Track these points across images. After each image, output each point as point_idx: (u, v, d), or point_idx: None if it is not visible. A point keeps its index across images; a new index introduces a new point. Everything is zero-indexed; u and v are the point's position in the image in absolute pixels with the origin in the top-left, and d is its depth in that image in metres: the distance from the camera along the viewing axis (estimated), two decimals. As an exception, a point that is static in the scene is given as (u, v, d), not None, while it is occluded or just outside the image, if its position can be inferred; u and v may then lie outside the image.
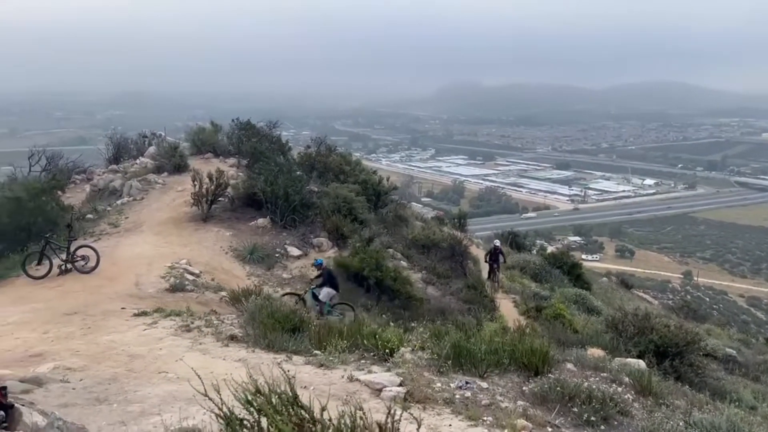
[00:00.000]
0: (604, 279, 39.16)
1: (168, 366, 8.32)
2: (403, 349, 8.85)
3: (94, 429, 5.87)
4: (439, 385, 7.63)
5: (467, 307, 18.61)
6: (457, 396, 7.32)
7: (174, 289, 13.91)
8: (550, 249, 42.24)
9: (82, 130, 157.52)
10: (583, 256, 76.23)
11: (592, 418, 6.87)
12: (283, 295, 14.73)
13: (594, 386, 7.56)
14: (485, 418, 6.60)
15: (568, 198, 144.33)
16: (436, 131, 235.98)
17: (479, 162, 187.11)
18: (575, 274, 28.61)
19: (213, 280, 15.48)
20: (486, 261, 23.09)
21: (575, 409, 7.06)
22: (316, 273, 16.04)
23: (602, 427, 6.87)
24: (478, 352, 8.55)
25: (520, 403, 7.34)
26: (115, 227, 19.52)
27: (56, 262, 14.59)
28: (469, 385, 7.75)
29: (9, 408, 3.85)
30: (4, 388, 4.00)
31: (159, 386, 7.39)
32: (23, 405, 4.06)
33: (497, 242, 24.07)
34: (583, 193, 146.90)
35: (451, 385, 7.72)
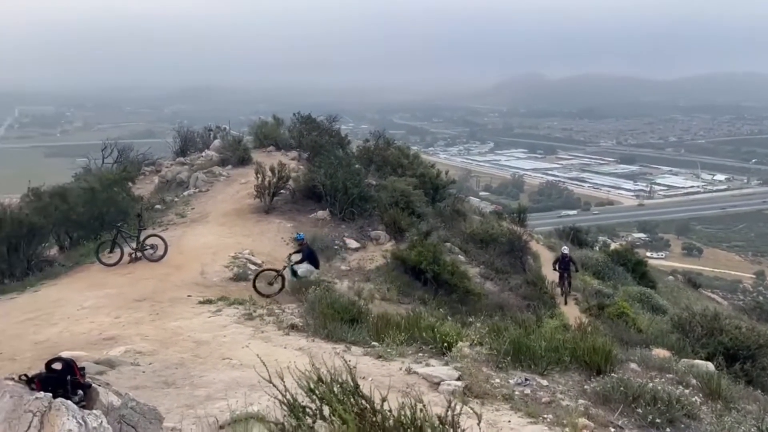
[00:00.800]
0: (670, 277, 37.75)
1: (232, 353, 8.59)
2: (461, 343, 8.83)
3: (163, 411, 6.13)
4: (497, 380, 7.58)
5: (526, 303, 18.34)
6: (517, 392, 7.25)
7: (237, 278, 14.33)
8: (613, 246, 40.99)
9: (151, 124, 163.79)
10: (648, 254, 73.44)
11: (657, 420, 6.67)
12: (260, 272, 14.50)
13: (659, 387, 7.32)
14: (545, 416, 6.50)
15: (632, 193, 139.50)
16: (496, 124, 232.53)
17: (540, 156, 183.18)
18: (640, 272, 27.68)
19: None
20: (555, 269, 20.63)
21: (639, 410, 6.86)
22: (295, 248, 15.51)
23: (668, 429, 6.66)
24: (539, 349, 8.44)
25: (581, 401, 7.20)
26: (181, 218, 20.24)
27: (127, 250, 15.27)
28: (528, 382, 7.66)
29: (87, 387, 4.05)
30: (83, 368, 4.22)
31: (224, 372, 7.64)
32: (99, 385, 4.28)
33: (566, 249, 21.49)
34: (648, 189, 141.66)
35: (510, 381, 7.65)
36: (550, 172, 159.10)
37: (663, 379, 8.27)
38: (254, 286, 13.76)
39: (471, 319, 12.33)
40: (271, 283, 14.08)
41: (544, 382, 7.78)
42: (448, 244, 20.87)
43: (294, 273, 14.60)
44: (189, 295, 12.43)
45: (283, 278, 14.30)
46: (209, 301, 11.94)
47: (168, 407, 6.22)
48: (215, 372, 7.64)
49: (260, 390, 6.45)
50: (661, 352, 10.54)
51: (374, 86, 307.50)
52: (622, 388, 7.21)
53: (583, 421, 6.28)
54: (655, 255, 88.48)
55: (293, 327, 10.28)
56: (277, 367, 4.64)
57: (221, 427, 5.06)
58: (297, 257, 14.98)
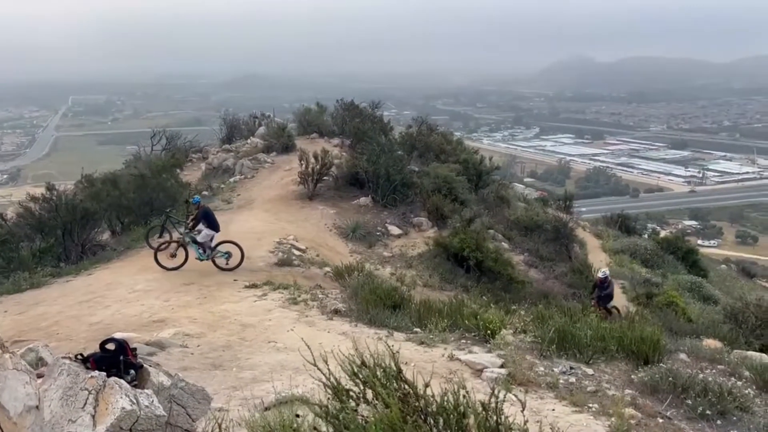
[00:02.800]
0: (723, 266, 36.47)
1: (277, 336, 8.75)
2: (504, 331, 8.76)
3: (210, 392, 6.29)
4: (541, 369, 7.49)
5: (572, 291, 18.06)
6: (561, 381, 7.15)
7: (282, 263, 14.54)
8: (663, 233, 39.85)
9: (198, 112, 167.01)
10: (700, 242, 71.22)
11: (708, 412, 6.48)
12: (160, 246, 13.77)
13: (710, 378, 7.10)
14: (591, 405, 6.40)
15: (684, 180, 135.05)
16: (541, 109, 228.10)
17: (587, 141, 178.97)
18: (690, 261, 26.88)
19: (318, 256, 16.01)
20: (592, 297, 15.81)
21: (689, 402, 6.68)
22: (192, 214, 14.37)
23: (718, 422, 6.46)
24: (584, 338, 8.30)
25: (627, 391, 7.06)
26: (228, 204, 20.63)
27: (175, 235, 15.64)
28: (573, 371, 7.56)
29: (138, 368, 4.19)
30: (135, 349, 4.37)
31: (269, 355, 7.79)
32: (150, 366, 4.41)
33: (604, 272, 15.99)
34: (701, 175, 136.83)
35: (555, 369, 7.56)
36: (597, 158, 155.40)
37: (714, 371, 8.01)
38: (157, 261, 13.33)
39: (514, 307, 12.20)
40: (174, 255, 13.58)
41: (590, 371, 7.66)
42: (492, 231, 20.68)
43: (195, 241, 13.78)
44: (235, 280, 12.69)
45: (185, 249, 13.64)
46: (255, 286, 12.15)
47: (215, 388, 6.38)
48: (261, 355, 7.80)
49: (304, 373, 6.56)
50: (712, 343, 10.22)
51: (419, 71, 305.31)
52: (670, 379, 7.03)
53: (629, 411, 6.16)
54: (706, 243, 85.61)
55: (336, 312, 10.40)
56: (321, 351, 4.70)
57: (267, 409, 5.16)
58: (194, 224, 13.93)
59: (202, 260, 13.62)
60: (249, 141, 28.45)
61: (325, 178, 21.45)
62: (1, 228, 16.17)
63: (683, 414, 6.58)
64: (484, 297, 13.61)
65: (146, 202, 18.03)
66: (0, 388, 2.50)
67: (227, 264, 13.60)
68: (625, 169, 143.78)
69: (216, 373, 7.06)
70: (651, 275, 22.07)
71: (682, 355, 8.73)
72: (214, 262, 14.37)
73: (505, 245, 20.32)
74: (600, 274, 15.72)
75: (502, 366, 7.38)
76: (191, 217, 14.12)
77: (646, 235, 33.79)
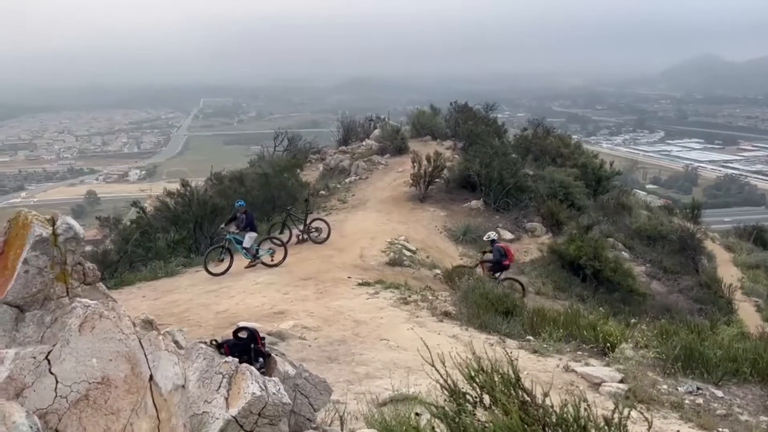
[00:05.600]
0: None
1: (389, 334, 8.92)
2: (624, 345, 8.35)
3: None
4: (665, 387, 7.08)
5: (698, 307, 16.85)
6: (687, 401, 6.72)
7: (393, 263, 14.78)
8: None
9: (315, 114, 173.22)
10: None
11: None
12: (210, 251, 14.22)
13: None
14: (721, 430, 5.97)
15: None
16: (667, 112, 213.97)
17: (718, 146, 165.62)
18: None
19: (428, 257, 16.11)
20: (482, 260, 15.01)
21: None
22: (232, 216, 14.66)
23: None
24: (713, 357, 7.74)
25: (763, 418, 6.51)
26: (343, 203, 21.28)
27: (295, 232, 16.40)
28: (700, 392, 7.08)
29: (267, 356, 4.45)
30: (264, 338, 4.64)
31: (381, 352, 7.96)
32: (277, 355, 4.66)
33: (489, 234, 15.33)
34: None
35: (680, 388, 7.12)
36: (729, 165, 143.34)
37: None
38: (206, 269, 13.62)
39: (634, 320, 11.59)
40: (222, 260, 13.92)
41: (719, 393, 7.13)
42: (611, 240, 19.76)
43: (238, 242, 14.06)
44: (349, 277, 13.08)
45: (229, 251, 13.96)
46: (367, 284, 12.46)
47: (331, 381, 6.61)
48: (374, 351, 7.98)
49: (417, 372, 6.65)
50: None
51: (536, 71, 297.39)
52: (816, 410, 6.39)
53: (767, 441, 5.68)
54: None
55: (447, 314, 10.41)
56: (431, 352, 4.75)
57: (382, 405, 5.28)
58: (232, 226, 14.33)
59: (248, 259, 14.18)
60: (364, 143, 29.16)
61: (436, 180, 21.51)
62: (142, 220, 17.75)
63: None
64: (601, 308, 13.06)
65: (269, 200, 19.03)
66: (155, 367, 2.76)
67: (272, 260, 14.17)
68: (761, 177, 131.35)
69: (332, 366, 7.32)
70: (792, 294, 20.05)
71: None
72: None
73: (626, 255, 19.33)
74: (485, 237, 15.32)
75: (621, 381, 7.06)
76: (231, 219, 14.52)
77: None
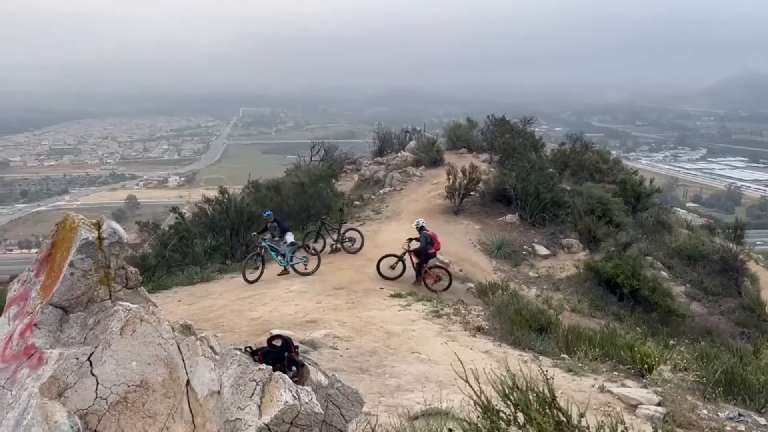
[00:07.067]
0: None
1: (420, 347, 8.86)
2: (663, 366, 8.12)
3: (358, 395, 6.54)
4: (705, 412, 6.85)
5: (740, 330, 16.30)
6: (728, 428, 6.49)
7: (426, 275, 14.68)
8: None
9: (352, 125, 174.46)
10: None
11: None
12: (248, 258, 14.31)
13: None
14: (764, 460, 5.74)
15: None
16: (710, 129, 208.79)
17: (763, 165, 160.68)
18: None
19: (461, 270, 15.97)
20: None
21: None
22: (264, 227, 14.80)
23: None
24: (756, 383, 7.47)
25: (809, 449, 6.24)
26: (377, 214, 21.31)
27: (329, 241, 16.49)
28: (742, 418, 6.82)
29: (300, 365, 4.45)
30: (297, 347, 4.64)
31: (413, 365, 7.91)
32: (310, 364, 4.66)
33: (418, 221, 14.88)
34: None
35: (720, 414, 6.88)
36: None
37: None
38: (244, 276, 13.77)
39: (673, 342, 11.28)
40: (257, 267, 14.10)
41: (762, 421, 6.87)
42: (650, 258, 19.30)
43: (273, 249, 14.21)
44: (381, 288, 13.08)
45: (263, 259, 14.15)
46: (399, 295, 12.43)
47: (362, 393, 6.58)
48: (405, 364, 7.94)
49: (449, 387, 6.58)
50: None
51: (575, 85, 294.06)
52: None
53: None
54: None
55: (479, 329, 10.31)
56: (465, 367, 4.70)
57: (414, 419, 5.24)
58: (265, 235, 14.51)
59: (283, 266, 14.30)
60: (399, 154, 29.20)
61: (471, 193, 21.38)
62: (180, 225, 18.09)
63: None
64: (638, 328, 12.76)
65: (304, 209, 19.19)
66: (191, 372, 2.80)
67: (306, 269, 14.27)
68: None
69: (363, 377, 7.30)
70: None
71: None
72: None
73: (665, 274, 18.85)
74: (414, 224, 14.75)
75: (659, 404, 6.85)
76: (262, 229, 14.83)
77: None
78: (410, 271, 14.13)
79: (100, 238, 2.78)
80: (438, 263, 14.54)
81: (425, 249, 13.93)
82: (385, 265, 13.99)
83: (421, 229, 14.15)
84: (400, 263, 14.12)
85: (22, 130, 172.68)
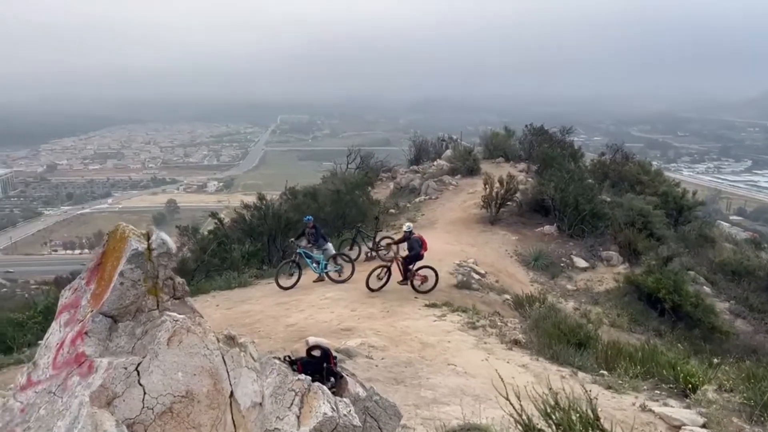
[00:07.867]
0: None
1: (456, 359, 8.77)
2: (707, 386, 7.88)
3: (393, 406, 6.50)
4: (752, 436, 6.61)
5: (788, 350, 15.67)
6: (777, 454, 6.24)
7: (461, 285, 14.57)
8: None
9: (388, 133, 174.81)
10: None
11: None
12: (281, 266, 14.24)
13: None
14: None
15: None
16: (755, 140, 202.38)
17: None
18: None
19: (497, 281, 15.81)
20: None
21: None
22: (301, 231, 14.85)
23: None
24: (807, 408, 7.15)
25: None
26: (412, 222, 21.26)
27: (364, 249, 16.52)
28: (793, 445, 6.55)
29: (339, 377, 4.45)
30: (336, 358, 4.65)
31: (448, 378, 7.83)
32: (348, 375, 4.66)
33: (408, 225, 14.55)
34: None
35: (769, 439, 6.62)
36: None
37: None
38: (277, 282, 13.82)
39: (716, 360, 10.94)
40: (292, 274, 14.12)
41: (813, 448, 6.59)
42: (692, 273, 18.78)
43: (308, 256, 14.29)
44: (416, 297, 13.01)
45: (299, 266, 14.13)
46: (434, 305, 12.34)
47: (398, 404, 6.55)
48: (441, 376, 7.87)
49: (486, 401, 6.50)
50: None
51: (615, 94, 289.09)
52: None
53: None
54: None
55: (516, 342, 10.15)
56: (504, 383, 4.62)
57: (450, 433, 5.19)
58: (302, 241, 14.57)
59: (318, 273, 14.38)
60: (435, 163, 29.15)
61: (508, 203, 21.18)
62: (219, 231, 18.37)
63: None
64: (680, 345, 12.42)
65: (340, 216, 19.29)
66: (235, 383, 2.82)
67: (339, 276, 14.30)
68: None
69: (398, 388, 7.26)
70: None
71: None
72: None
73: (708, 290, 18.30)
74: (404, 228, 14.35)
75: (704, 426, 6.64)
76: (299, 234, 15.01)
77: None
78: (393, 282, 13.71)
79: (149, 249, 2.83)
80: (425, 264, 14.02)
81: (418, 253, 13.70)
82: (374, 278, 13.55)
83: (410, 233, 13.93)
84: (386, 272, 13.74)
85: (69, 135, 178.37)
